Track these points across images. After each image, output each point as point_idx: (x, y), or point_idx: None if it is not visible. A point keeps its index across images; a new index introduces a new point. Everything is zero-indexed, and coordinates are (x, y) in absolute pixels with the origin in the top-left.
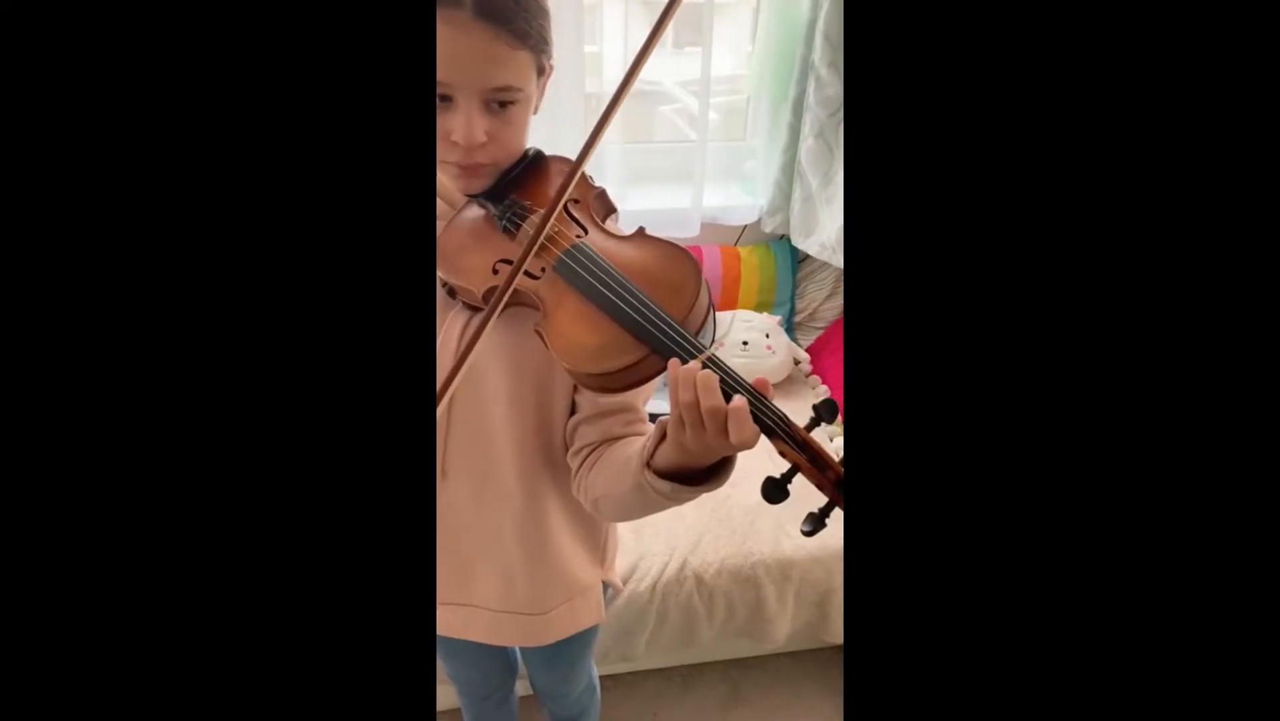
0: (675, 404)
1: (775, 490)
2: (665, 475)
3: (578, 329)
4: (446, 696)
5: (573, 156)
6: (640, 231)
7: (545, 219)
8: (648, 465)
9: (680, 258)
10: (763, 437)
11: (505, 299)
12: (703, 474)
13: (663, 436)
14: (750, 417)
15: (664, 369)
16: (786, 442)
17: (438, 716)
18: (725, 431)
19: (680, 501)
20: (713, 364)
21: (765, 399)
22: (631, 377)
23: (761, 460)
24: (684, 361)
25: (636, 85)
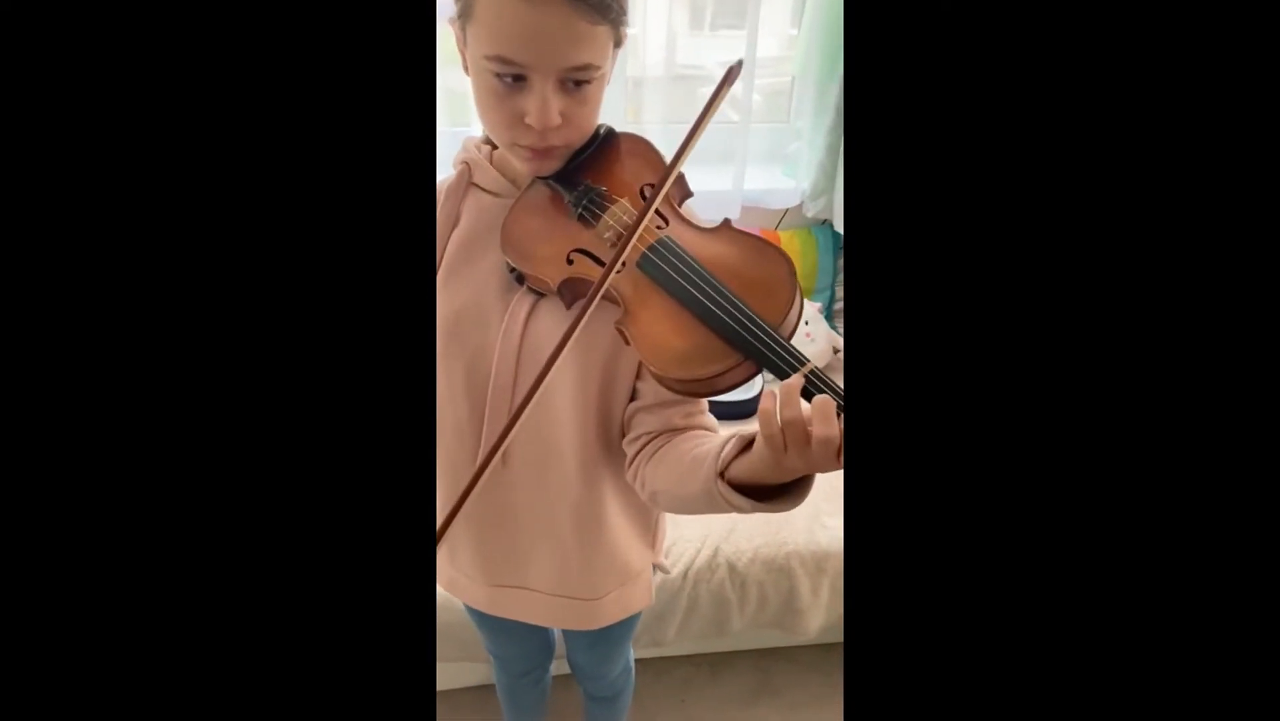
0: (774, 427)
1: None
2: (740, 488)
3: (664, 330)
4: (480, 672)
5: None
6: (726, 224)
7: (639, 220)
8: (721, 475)
9: (773, 256)
10: None
11: (594, 303)
12: (780, 489)
13: (742, 448)
14: None
15: (753, 374)
16: None
17: (472, 691)
18: (837, 456)
19: (756, 512)
20: (816, 377)
21: None
22: (720, 385)
23: None
24: (783, 375)
25: (676, 70)
